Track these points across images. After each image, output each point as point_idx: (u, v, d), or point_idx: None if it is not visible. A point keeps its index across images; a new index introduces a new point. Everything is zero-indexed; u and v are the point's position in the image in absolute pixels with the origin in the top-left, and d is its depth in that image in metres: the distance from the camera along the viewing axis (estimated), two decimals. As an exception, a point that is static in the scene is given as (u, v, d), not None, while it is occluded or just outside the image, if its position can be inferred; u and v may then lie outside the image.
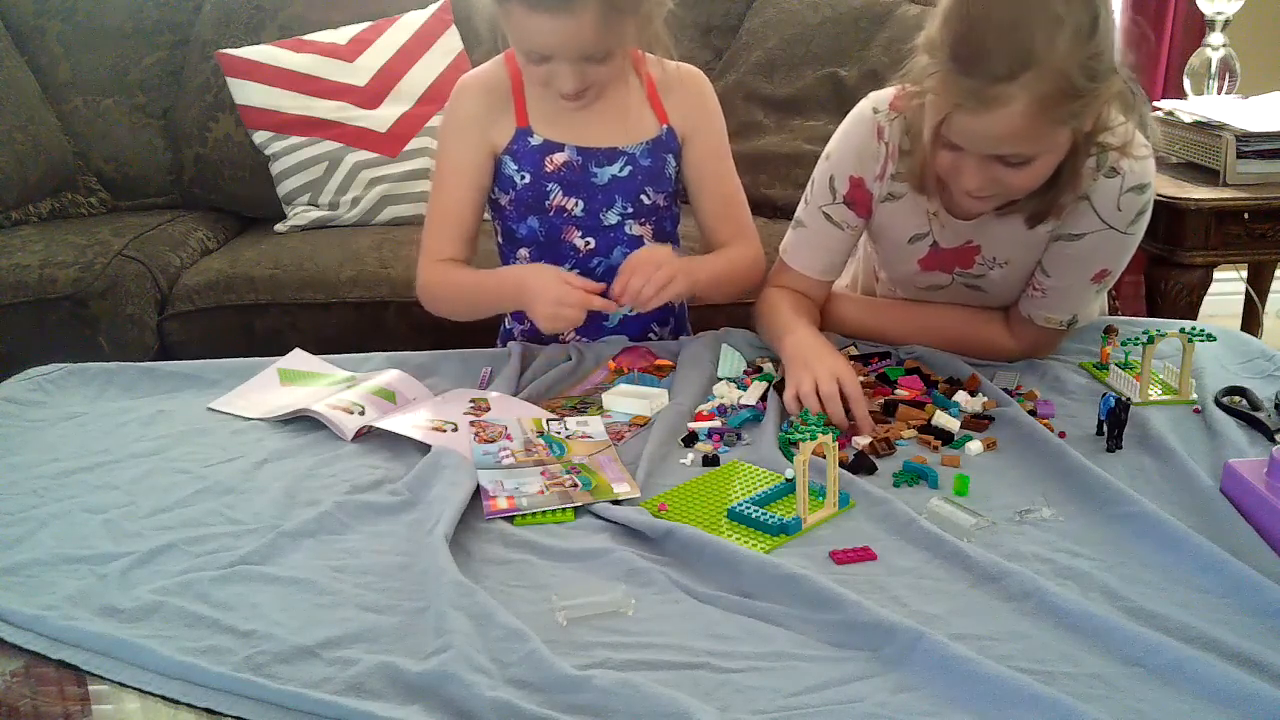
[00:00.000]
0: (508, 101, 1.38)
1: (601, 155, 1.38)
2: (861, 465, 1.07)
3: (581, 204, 1.39)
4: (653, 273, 1.26)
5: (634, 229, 1.42)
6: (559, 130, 1.37)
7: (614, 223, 1.41)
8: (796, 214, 1.39)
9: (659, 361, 1.35)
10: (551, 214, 1.39)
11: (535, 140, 1.37)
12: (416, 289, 1.46)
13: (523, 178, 1.38)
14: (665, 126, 1.40)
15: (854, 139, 1.32)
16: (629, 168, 1.38)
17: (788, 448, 1.11)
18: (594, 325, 1.44)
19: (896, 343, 1.38)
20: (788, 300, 1.37)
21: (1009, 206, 1.23)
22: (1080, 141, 1.15)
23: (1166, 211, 2.00)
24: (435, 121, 2.40)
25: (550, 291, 1.27)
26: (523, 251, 1.44)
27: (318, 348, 1.43)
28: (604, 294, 1.28)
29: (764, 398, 1.22)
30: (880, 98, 1.32)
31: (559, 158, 1.37)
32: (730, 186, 1.45)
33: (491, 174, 1.40)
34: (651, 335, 1.49)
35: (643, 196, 1.40)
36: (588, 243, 1.41)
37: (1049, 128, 1.10)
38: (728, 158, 1.45)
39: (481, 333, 1.48)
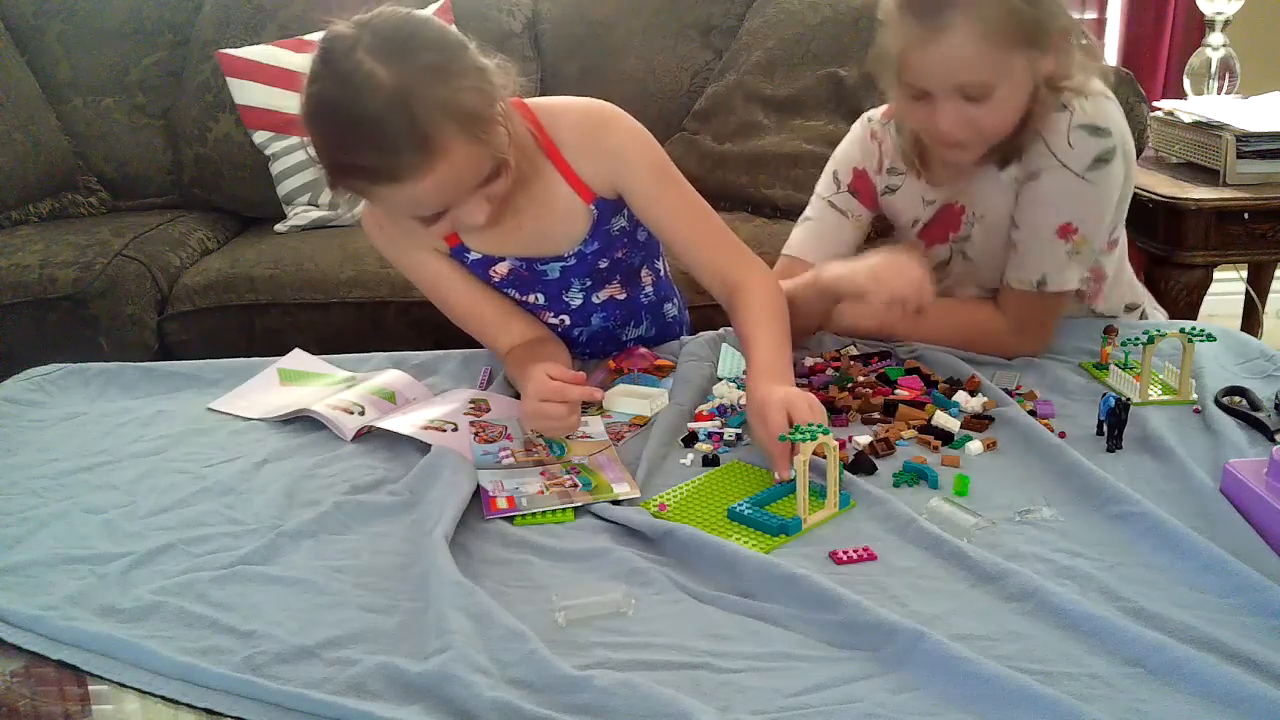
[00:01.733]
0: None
1: (544, 259, 1.30)
2: (861, 465, 1.07)
3: (542, 297, 1.33)
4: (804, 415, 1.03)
5: (602, 295, 1.36)
6: (492, 245, 1.28)
7: (580, 301, 1.35)
8: (803, 214, 1.44)
9: (659, 361, 1.35)
10: (517, 303, 1.35)
11: (473, 255, 1.29)
12: None
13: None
14: (593, 205, 1.26)
15: (852, 140, 1.45)
16: (575, 260, 1.30)
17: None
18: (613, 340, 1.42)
19: (899, 338, 1.39)
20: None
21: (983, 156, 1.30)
22: (1041, 87, 1.23)
23: (1166, 211, 2.01)
24: (435, 121, 2.40)
25: (529, 388, 1.15)
26: None
27: (318, 348, 1.43)
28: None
29: (764, 398, 1.22)
30: (874, 111, 1.44)
31: (502, 268, 1.30)
32: (686, 206, 1.27)
33: (457, 264, 1.31)
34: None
35: (600, 265, 1.32)
36: (561, 320, 1.37)
37: (999, 53, 1.18)
38: (672, 182, 1.27)
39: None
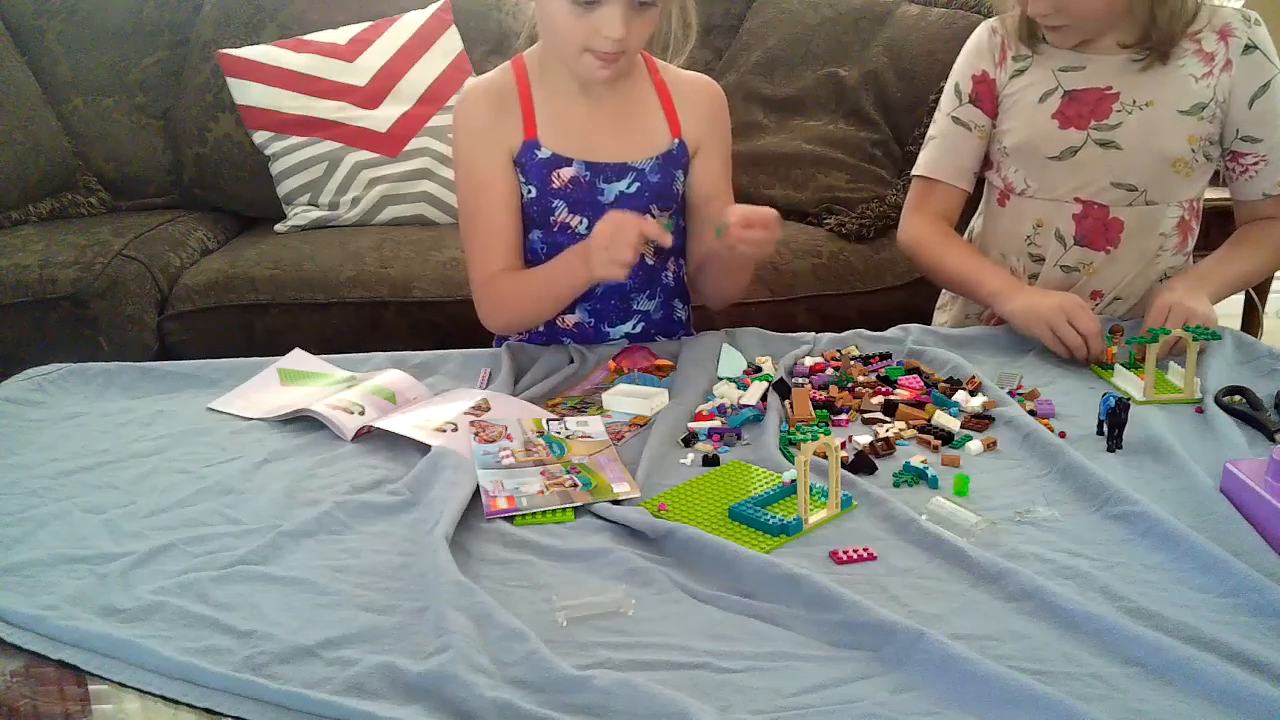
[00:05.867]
0: (515, 109, 1.35)
1: (610, 171, 1.35)
2: (861, 465, 1.07)
3: (586, 222, 1.37)
4: (769, 228, 1.24)
5: None
6: (567, 143, 1.35)
7: None
8: (928, 133, 1.61)
9: (659, 361, 1.35)
10: (556, 230, 1.38)
11: (543, 154, 1.34)
12: (478, 310, 1.42)
13: (529, 191, 1.36)
14: (677, 140, 1.38)
15: (970, 46, 1.57)
16: (637, 184, 1.36)
17: (788, 449, 1.11)
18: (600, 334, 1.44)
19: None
20: (956, 242, 1.55)
21: (1143, 50, 1.45)
22: None
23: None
24: (435, 121, 2.41)
25: (604, 227, 1.25)
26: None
27: (318, 348, 1.43)
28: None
29: (764, 398, 1.22)
30: (992, 19, 1.59)
31: (566, 173, 1.34)
32: (727, 178, 1.45)
33: (515, 176, 1.37)
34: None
35: (648, 214, 1.37)
36: None
37: None
38: (728, 179, 1.45)
39: (481, 332, 1.48)
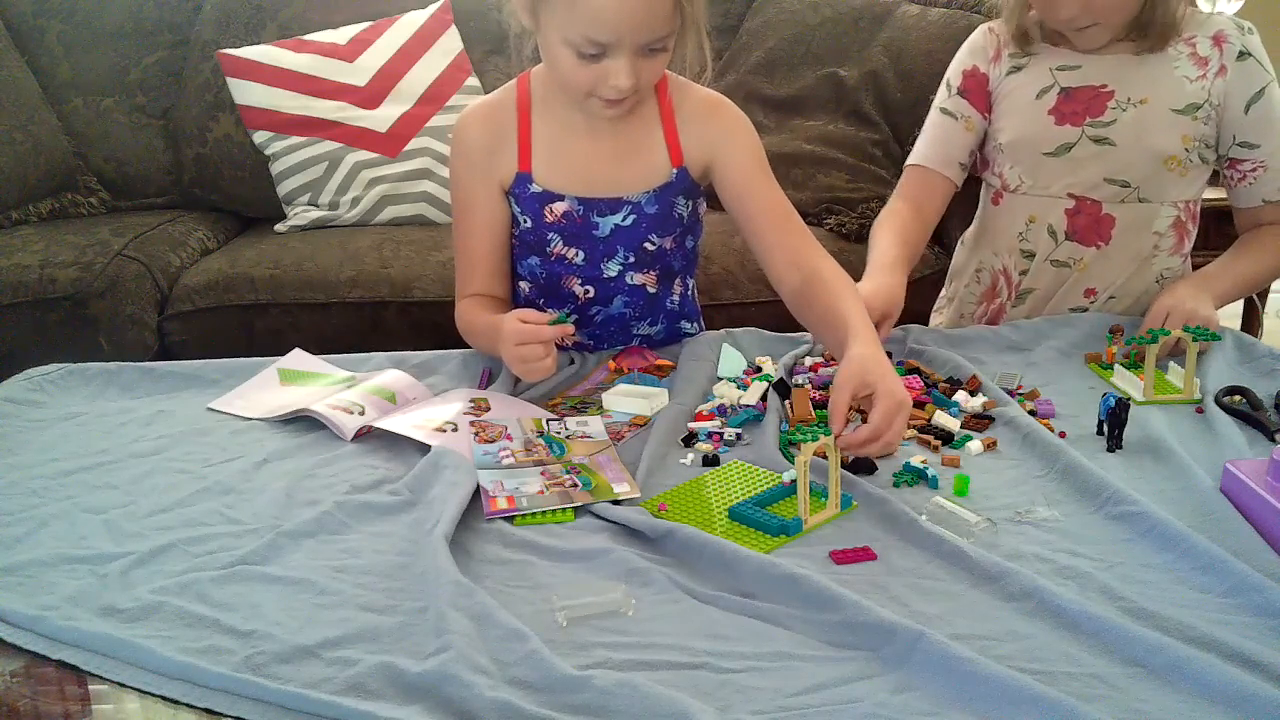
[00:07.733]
0: (511, 138, 1.32)
1: (604, 205, 1.32)
2: (861, 465, 1.07)
3: (582, 254, 1.35)
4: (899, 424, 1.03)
5: (635, 279, 1.37)
6: (560, 178, 1.31)
7: (615, 274, 1.36)
8: (923, 127, 1.61)
9: (659, 361, 1.35)
10: (552, 259, 1.36)
11: (535, 188, 1.31)
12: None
13: (525, 221, 1.34)
14: (677, 170, 1.32)
15: (966, 45, 1.60)
16: (633, 217, 1.32)
17: (788, 449, 1.11)
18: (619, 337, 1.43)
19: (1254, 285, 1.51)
20: (893, 229, 1.52)
21: (1124, 38, 1.45)
22: None
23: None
24: (435, 121, 2.41)
25: (505, 332, 1.22)
26: (523, 285, 1.41)
27: (318, 348, 1.43)
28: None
29: (764, 398, 1.22)
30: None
31: (558, 208, 1.31)
32: (775, 194, 1.32)
33: (505, 205, 1.35)
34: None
35: (647, 244, 1.34)
36: (587, 291, 1.37)
37: None
38: (768, 171, 1.33)
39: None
